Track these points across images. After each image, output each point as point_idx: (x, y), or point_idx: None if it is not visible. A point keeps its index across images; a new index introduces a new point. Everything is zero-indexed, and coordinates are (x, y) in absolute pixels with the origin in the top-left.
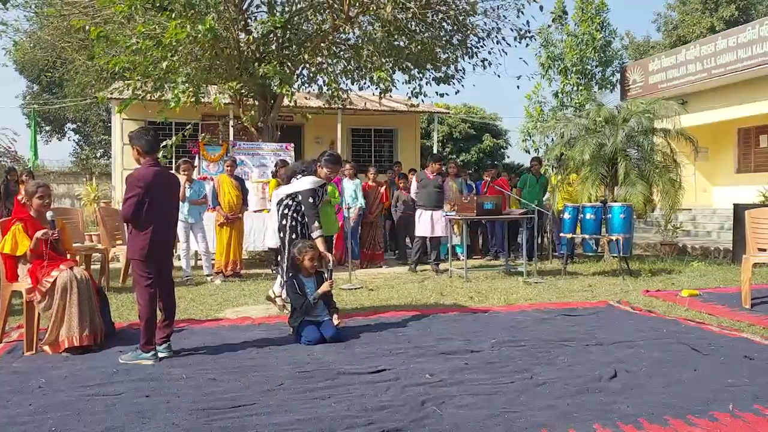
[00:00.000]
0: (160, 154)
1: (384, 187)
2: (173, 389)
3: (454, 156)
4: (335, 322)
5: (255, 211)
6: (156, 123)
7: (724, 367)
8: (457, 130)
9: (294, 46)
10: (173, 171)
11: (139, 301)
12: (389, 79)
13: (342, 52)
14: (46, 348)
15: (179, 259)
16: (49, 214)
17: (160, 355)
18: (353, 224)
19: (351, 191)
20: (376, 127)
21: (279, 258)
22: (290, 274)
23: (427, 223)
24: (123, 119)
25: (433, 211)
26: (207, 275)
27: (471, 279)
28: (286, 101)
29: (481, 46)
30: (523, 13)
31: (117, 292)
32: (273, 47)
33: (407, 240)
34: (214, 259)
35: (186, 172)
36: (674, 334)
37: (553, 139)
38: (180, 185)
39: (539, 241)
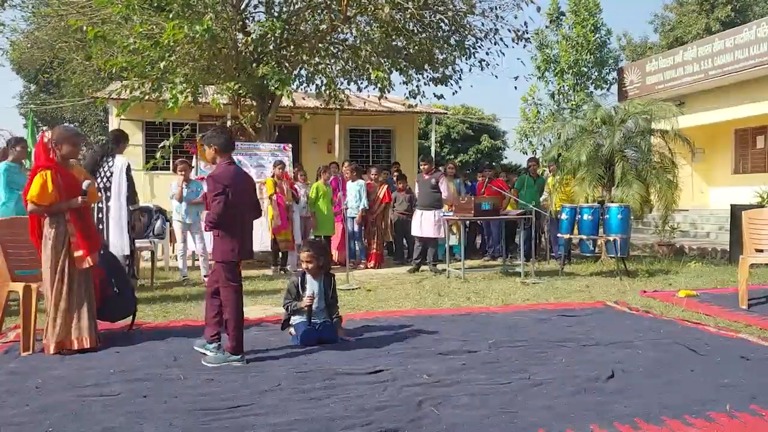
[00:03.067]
0: (157, 155)
1: (386, 186)
2: (171, 390)
3: (452, 156)
4: (339, 333)
5: None
6: (154, 123)
7: (720, 368)
8: (455, 131)
9: (292, 47)
10: (171, 171)
11: (227, 304)
12: (387, 78)
13: (340, 53)
14: (50, 346)
15: (176, 260)
16: (86, 183)
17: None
18: (357, 226)
19: (355, 192)
20: (374, 127)
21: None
22: (301, 272)
23: (421, 223)
24: (121, 119)
25: (428, 211)
26: (204, 276)
27: (469, 279)
28: (284, 101)
29: (479, 47)
30: (522, 9)
31: None
32: (271, 48)
33: (404, 241)
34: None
35: (183, 173)
36: (671, 335)
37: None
38: (256, 186)
39: (537, 242)
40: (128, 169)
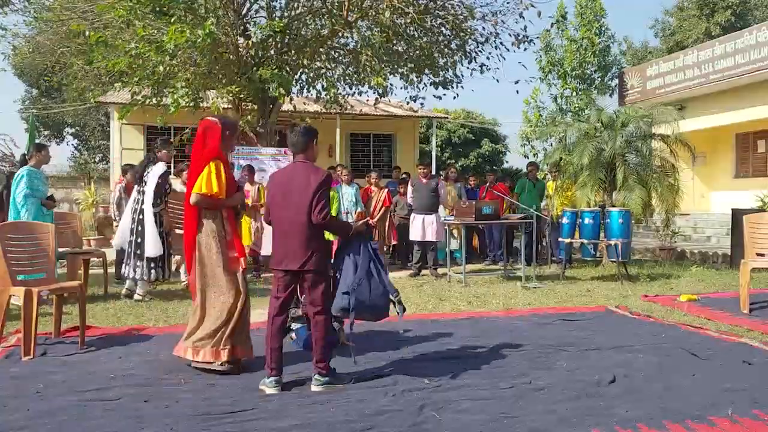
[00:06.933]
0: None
1: (386, 190)
2: (172, 394)
3: (453, 161)
4: (340, 338)
5: None
6: (155, 128)
7: (722, 372)
8: (456, 135)
9: (293, 51)
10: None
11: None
12: (385, 85)
13: (341, 57)
14: (220, 352)
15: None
16: (244, 180)
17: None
18: None
19: (350, 196)
20: (375, 132)
21: None
22: None
23: (419, 228)
24: (122, 124)
25: (426, 215)
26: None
27: (470, 283)
28: (285, 106)
29: (480, 51)
30: (522, 17)
31: (115, 298)
32: (272, 52)
33: (404, 245)
34: None
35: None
36: (673, 339)
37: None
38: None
39: (538, 247)
40: (162, 174)
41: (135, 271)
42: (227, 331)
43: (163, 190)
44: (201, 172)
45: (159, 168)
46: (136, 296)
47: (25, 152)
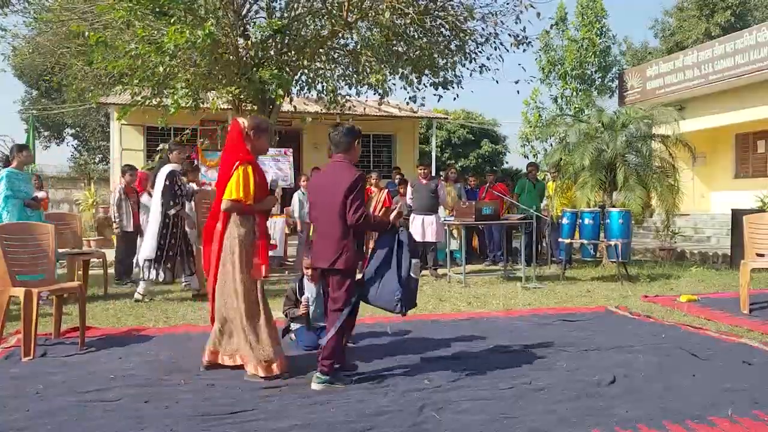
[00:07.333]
0: (156, 158)
1: (386, 191)
2: (172, 395)
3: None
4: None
5: None
6: (155, 128)
7: (722, 373)
8: (456, 136)
9: (293, 52)
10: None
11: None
12: (385, 81)
13: (341, 58)
14: (258, 371)
15: None
16: (277, 181)
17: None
18: None
19: None
20: (375, 132)
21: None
22: (299, 277)
23: (419, 228)
24: (122, 125)
25: (426, 216)
26: (204, 280)
27: (469, 284)
28: (285, 106)
29: (479, 52)
30: (520, 20)
31: (115, 299)
32: (272, 53)
33: None
34: None
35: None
36: (673, 340)
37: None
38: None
39: (538, 247)
40: (168, 175)
41: (147, 272)
42: (240, 341)
43: (172, 190)
44: (230, 176)
45: (165, 169)
46: (136, 295)
47: (7, 154)
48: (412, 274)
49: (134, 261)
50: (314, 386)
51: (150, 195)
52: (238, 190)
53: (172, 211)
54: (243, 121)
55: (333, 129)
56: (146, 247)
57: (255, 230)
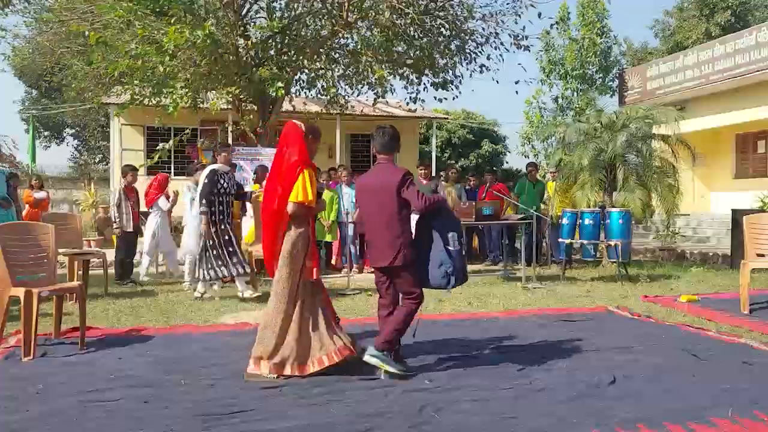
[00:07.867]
0: (155, 157)
1: None
2: (172, 395)
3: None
4: None
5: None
6: (155, 128)
7: (722, 373)
8: (456, 136)
9: (293, 52)
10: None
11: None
12: (387, 78)
13: (340, 58)
14: (285, 365)
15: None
16: (323, 185)
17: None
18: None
19: (351, 197)
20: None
21: None
22: None
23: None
24: (122, 124)
25: None
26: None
27: (470, 284)
28: (285, 106)
29: (480, 52)
30: (520, 16)
31: (115, 298)
32: (272, 53)
33: None
34: None
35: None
36: (673, 340)
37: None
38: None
39: (538, 247)
40: (208, 174)
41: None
42: (281, 343)
43: (208, 189)
44: (291, 179)
45: (207, 169)
46: (195, 293)
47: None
48: (450, 247)
49: (134, 261)
50: (367, 357)
51: (167, 198)
52: (306, 193)
53: (203, 209)
54: (301, 125)
55: (377, 131)
56: (186, 245)
57: (309, 233)
